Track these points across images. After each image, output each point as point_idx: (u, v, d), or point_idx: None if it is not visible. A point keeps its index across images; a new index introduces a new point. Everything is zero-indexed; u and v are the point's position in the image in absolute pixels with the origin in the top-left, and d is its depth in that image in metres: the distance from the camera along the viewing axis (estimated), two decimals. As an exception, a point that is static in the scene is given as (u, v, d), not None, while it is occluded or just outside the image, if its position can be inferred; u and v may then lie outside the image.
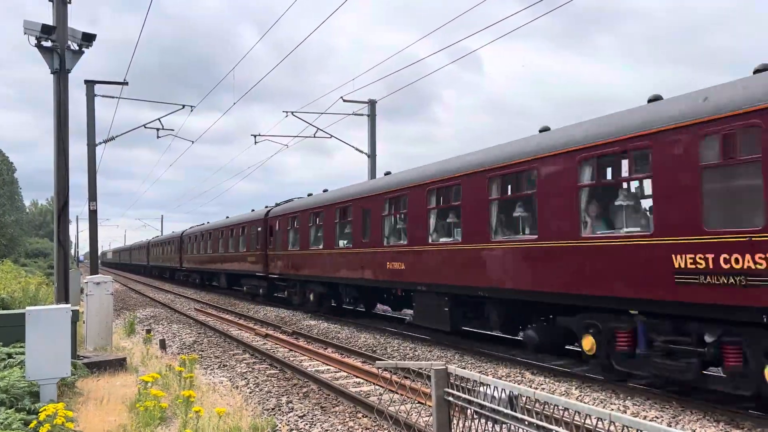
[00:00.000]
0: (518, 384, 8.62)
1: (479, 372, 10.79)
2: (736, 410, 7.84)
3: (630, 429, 2.76)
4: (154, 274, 60.64)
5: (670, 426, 7.52)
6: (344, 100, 24.52)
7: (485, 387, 3.75)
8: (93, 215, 22.24)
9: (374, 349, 13.72)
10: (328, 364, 12.09)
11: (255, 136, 27.57)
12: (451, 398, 4.13)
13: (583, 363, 10.61)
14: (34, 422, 5.44)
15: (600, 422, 2.93)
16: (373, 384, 10.13)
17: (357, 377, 10.83)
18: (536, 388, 9.30)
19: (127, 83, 22.51)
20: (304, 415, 8.24)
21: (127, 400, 7.82)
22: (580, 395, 9.15)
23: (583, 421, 3.00)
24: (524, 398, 3.51)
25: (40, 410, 5.62)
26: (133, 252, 79.79)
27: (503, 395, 3.55)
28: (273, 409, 8.61)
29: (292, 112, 25.37)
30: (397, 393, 8.67)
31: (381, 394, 9.29)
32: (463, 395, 3.99)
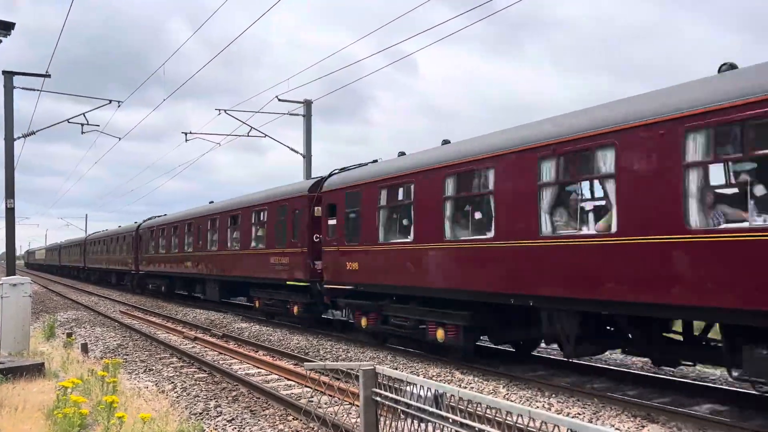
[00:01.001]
0: (448, 383, 8.76)
1: (410, 372, 10.90)
2: (652, 405, 8.24)
3: (548, 424, 2.86)
4: (149, 290, 33.00)
5: (591, 422, 7.82)
6: (279, 100, 24.23)
7: (412, 386, 3.80)
8: (10, 213, 21.27)
9: (307, 351, 13.63)
10: (259, 367, 11.93)
11: (186, 134, 26.87)
12: (378, 398, 4.16)
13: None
14: (-60, 432, 5.13)
15: (520, 418, 3.02)
16: (305, 386, 10.07)
17: (289, 380, 10.73)
18: (465, 387, 9.47)
19: (49, 75, 21.58)
20: (233, 419, 8.10)
21: (44, 407, 7.45)
22: (507, 393, 9.39)
23: (504, 418, 3.08)
24: (449, 396, 3.57)
25: (-53, 419, 5.30)
26: (89, 247, 47.77)
27: (429, 394, 3.61)
28: (201, 413, 8.43)
29: (225, 110, 24.85)
30: (326, 394, 8.64)
31: (311, 396, 9.24)
32: (391, 395, 4.03)
